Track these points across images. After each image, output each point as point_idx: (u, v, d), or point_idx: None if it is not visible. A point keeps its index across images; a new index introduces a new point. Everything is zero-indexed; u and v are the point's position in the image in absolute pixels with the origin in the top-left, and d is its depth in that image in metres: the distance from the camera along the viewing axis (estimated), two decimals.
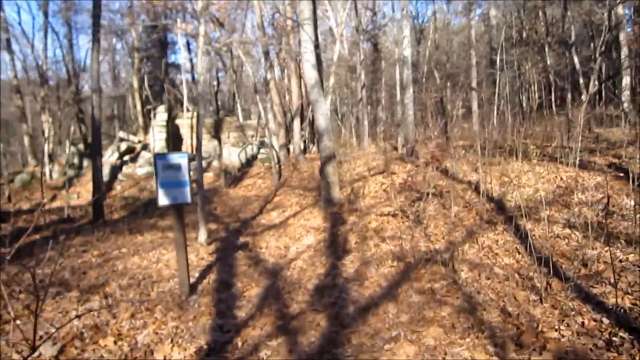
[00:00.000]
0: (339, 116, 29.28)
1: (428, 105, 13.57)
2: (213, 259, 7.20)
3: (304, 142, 20.14)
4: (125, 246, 7.91)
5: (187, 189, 5.23)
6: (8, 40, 22.25)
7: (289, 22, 18.55)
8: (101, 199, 11.35)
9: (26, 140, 23.38)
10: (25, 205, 13.64)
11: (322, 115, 10.06)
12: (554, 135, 11.55)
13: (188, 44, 32.24)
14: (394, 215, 7.99)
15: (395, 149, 18.05)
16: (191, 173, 15.70)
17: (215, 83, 22.40)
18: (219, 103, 35.11)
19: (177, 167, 5.19)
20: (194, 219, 10.00)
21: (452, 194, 8.27)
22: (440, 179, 9.07)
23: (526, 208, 6.64)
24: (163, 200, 5.20)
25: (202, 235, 8.01)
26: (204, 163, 18.62)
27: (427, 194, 7.72)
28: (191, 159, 20.12)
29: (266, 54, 17.98)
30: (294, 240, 8.25)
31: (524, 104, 20.05)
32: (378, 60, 29.03)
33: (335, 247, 7.22)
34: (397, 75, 22.57)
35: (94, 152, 11.03)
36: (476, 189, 8.38)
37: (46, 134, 20.22)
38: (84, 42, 50.23)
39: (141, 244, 8.10)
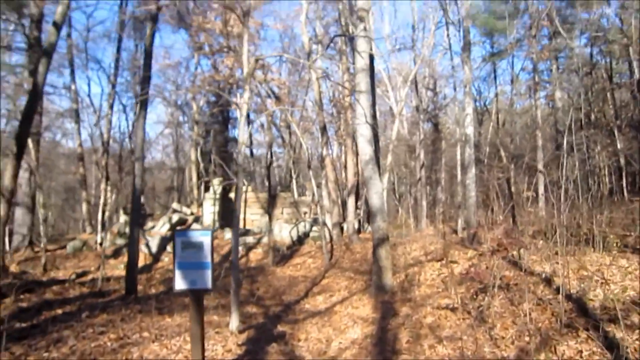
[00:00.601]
0: (397, 196, 28.49)
1: (492, 186, 12.64)
2: (241, 351, 6.34)
3: (359, 221, 19.37)
4: (148, 329, 7.19)
5: (209, 272, 4.51)
6: (76, 111, 23.28)
7: (347, 99, 18.36)
8: (134, 273, 10.76)
9: (84, 207, 23.80)
10: (62, 274, 13.36)
11: (376, 193, 9.34)
12: (634, 223, 10.29)
13: (248, 116, 32.91)
14: (453, 310, 6.97)
15: (455, 232, 16.94)
16: (240, 247, 14.96)
17: (269, 157, 22.20)
18: (277, 179, 35.30)
19: (199, 246, 4.52)
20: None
21: (523, 288, 7.19)
22: (506, 269, 7.99)
23: (614, 310, 5.52)
24: (180, 284, 4.51)
25: (234, 323, 7.21)
26: (253, 239, 18.10)
27: (493, 287, 6.67)
28: (242, 234, 19.74)
29: (323, 129, 17.72)
30: (338, 332, 7.32)
31: (594, 189, 18.68)
32: (438, 140, 28.45)
33: (383, 345, 6.24)
34: (457, 156, 21.81)
35: (132, 222, 10.64)
36: (549, 283, 7.26)
37: (101, 202, 20.38)
38: (150, 116, 52.45)
39: (166, 328, 7.35)
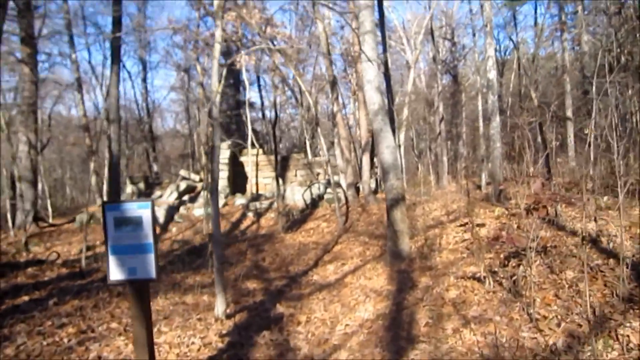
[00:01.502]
0: (416, 152, 27.19)
1: (519, 135, 11.33)
2: (223, 344, 5.29)
3: (375, 180, 18.21)
4: (120, 317, 6.18)
5: (152, 257, 3.43)
6: (78, 79, 22.26)
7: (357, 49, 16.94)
8: None
9: (93, 179, 23.01)
10: (67, 250, 12.45)
11: (388, 148, 8.16)
12: None
13: (258, 79, 31.64)
14: (481, 281, 5.85)
15: (479, 187, 15.72)
16: (250, 214, 13.80)
17: (274, 115, 20.99)
18: (293, 141, 34.13)
19: (137, 223, 3.41)
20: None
21: (563, 252, 6.02)
22: (541, 229, 6.79)
23: None
24: (115, 273, 3.44)
25: (220, 307, 6.15)
26: (266, 203, 17.12)
27: (530, 250, 5.46)
28: (253, 199, 18.78)
29: (332, 83, 16.39)
30: (346, 310, 6.28)
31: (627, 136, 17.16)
32: (458, 92, 26.94)
33: (397, 329, 5.17)
34: (479, 107, 20.35)
35: (110, 194, 9.61)
36: (595, 245, 6.07)
37: (106, 172, 19.54)
38: (159, 82, 51.34)
39: None
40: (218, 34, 6.13)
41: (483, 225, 8.43)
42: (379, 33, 12.78)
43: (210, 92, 25.47)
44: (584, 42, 22.94)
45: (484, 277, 5.82)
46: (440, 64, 23.92)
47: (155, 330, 5.53)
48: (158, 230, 16.30)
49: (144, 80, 31.26)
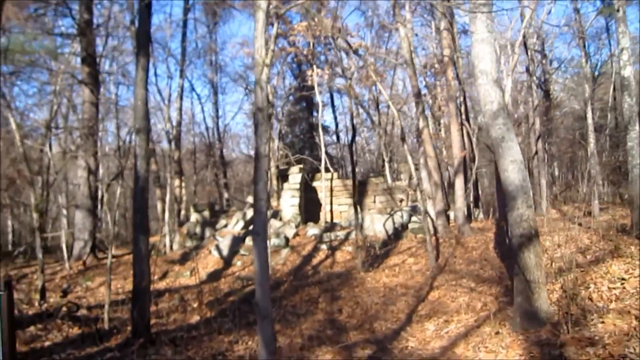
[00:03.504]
0: None
1: None
2: None
3: (468, 207, 15.61)
4: None
5: None
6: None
7: (446, 57, 14.66)
8: (144, 303, 7.30)
9: (159, 206, 21.82)
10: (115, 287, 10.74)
11: (514, 163, 5.83)
12: None
13: (332, 99, 29.93)
14: None
15: (589, 214, 12.79)
16: (324, 246, 11.66)
17: (351, 133, 18.94)
18: (369, 165, 31.96)
19: None
20: None
21: None
22: None
23: None
24: None
25: None
26: (341, 234, 14.97)
27: None
28: (327, 228, 16.68)
29: (417, 96, 14.14)
30: None
31: None
32: (550, 109, 24.00)
33: None
34: (589, 119, 17.31)
35: (135, 227, 7.57)
36: None
37: (167, 199, 18.12)
38: (230, 107, 50.84)
39: None
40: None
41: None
42: None
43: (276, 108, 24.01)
44: None
45: None
46: (534, 75, 21.21)
47: None
48: (221, 264, 14.57)
49: (215, 103, 30.24)
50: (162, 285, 13.36)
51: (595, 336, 4.87)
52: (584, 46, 16.83)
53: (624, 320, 5.03)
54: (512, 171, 5.84)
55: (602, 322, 5.13)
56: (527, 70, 20.96)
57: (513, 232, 5.86)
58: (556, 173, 24.94)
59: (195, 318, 8.61)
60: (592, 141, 14.34)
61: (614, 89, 21.44)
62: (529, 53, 20.82)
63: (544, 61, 28.24)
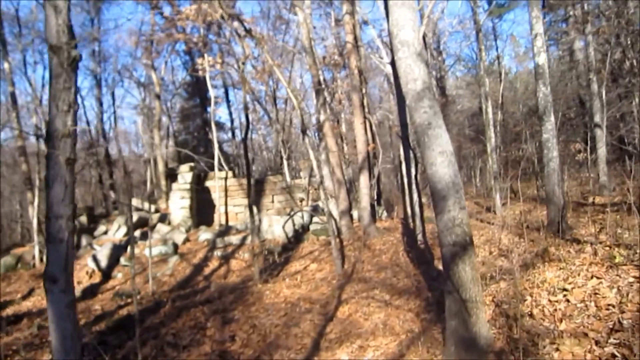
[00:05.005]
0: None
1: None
2: None
3: (372, 205, 14.67)
4: None
5: None
6: (12, 94, 18.30)
7: (349, 39, 13.57)
8: None
9: (30, 212, 18.90)
10: None
11: (442, 154, 4.72)
12: None
13: (227, 94, 28.33)
14: None
15: (488, 210, 12.35)
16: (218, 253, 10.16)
17: (244, 126, 17.48)
18: (270, 164, 30.50)
19: None
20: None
21: None
22: None
23: None
24: None
25: None
26: (237, 238, 13.45)
27: None
28: (222, 232, 15.07)
29: (317, 84, 12.95)
30: None
31: None
32: (445, 106, 24.18)
33: None
34: (486, 115, 17.09)
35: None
36: None
37: (35, 204, 15.58)
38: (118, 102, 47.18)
39: None
40: None
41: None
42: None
43: (166, 107, 21.92)
44: (577, 50, 20.32)
45: None
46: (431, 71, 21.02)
47: None
48: (98, 277, 12.50)
49: (99, 98, 27.24)
50: (24, 306, 11.13)
51: None
52: (478, 41, 16.61)
53: (582, 346, 4.07)
54: (441, 165, 4.72)
55: (557, 350, 4.14)
56: (427, 65, 20.67)
57: (444, 239, 4.75)
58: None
59: (47, 358, 6.74)
60: (492, 136, 13.95)
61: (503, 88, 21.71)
62: (428, 50, 20.49)
63: (440, 58, 28.55)
